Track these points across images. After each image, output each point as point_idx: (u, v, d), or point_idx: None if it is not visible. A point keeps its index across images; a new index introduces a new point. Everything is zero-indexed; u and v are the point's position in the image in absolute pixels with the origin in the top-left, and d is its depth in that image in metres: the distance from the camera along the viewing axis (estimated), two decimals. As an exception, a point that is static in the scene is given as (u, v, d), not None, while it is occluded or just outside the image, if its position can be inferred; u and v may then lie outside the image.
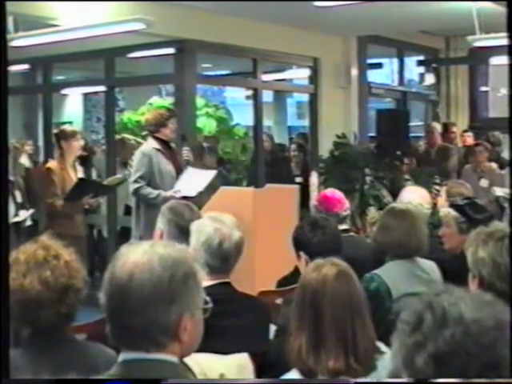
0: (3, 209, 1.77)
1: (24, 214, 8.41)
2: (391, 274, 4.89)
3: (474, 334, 1.76)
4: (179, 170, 8.54)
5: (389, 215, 5.42)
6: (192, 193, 7.94)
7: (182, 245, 2.64)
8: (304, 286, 3.28)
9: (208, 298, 2.65)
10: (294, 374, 3.18)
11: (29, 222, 8.66)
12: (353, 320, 3.20)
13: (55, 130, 10.17)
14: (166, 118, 8.65)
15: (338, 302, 3.17)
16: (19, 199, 8.41)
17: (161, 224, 5.14)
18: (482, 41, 10.18)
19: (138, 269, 2.39)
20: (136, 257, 2.42)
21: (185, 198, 7.52)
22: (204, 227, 4.35)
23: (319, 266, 3.32)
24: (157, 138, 8.59)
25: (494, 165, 11.65)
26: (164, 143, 8.61)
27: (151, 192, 8.24)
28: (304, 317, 3.20)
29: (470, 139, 13.77)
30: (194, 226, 4.42)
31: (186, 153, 8.64)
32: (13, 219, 8.04)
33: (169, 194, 8.03)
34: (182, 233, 4.81)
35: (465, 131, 14.13)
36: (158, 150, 8.51)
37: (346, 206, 6.43)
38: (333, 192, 6.58)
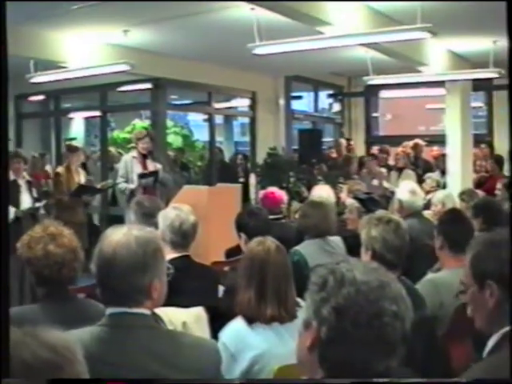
0: (3, 208, 1.68)
1: (38, 204, 8.44)
2: (308, 249, 4.91)
3: (363, 292, 1.76)
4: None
5: (308, 205, 5.44)
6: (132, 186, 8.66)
7: (151, 228, 2.65)
8: (252, 255, 3.28)
9: (170, 266, 2.68)
10: (239, 320, 3.19)
11: (42, 212, 8.63)
12: (285, 282, 3.21)
13: (67, 146, 10.30)
14: (141, 136, 8.87)
15: (277, 268, 3.18)
16: (35, 195, 8.42)
17: (130, 214, 5.16)
18: (373, 80, 10.25)
19: (120, 247, 2.40)
20: (118, 237, 2.43)
21: (145, 188, 8.50)
22: (168, 214, 4.40)
23: (262, 241, 3.33)
24: (136, 150, 8.94)
25: (382, 170, 11.74)
26: (141, 153, 8.86)
27: (122, 186, 8.83)
28: (252, 278, 3.20)
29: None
30: (161, 214, 4.46)
31: (149, 163, 8.95)
32: (29, 207, 8.12)
33: (130, 186, 8.67)
34: (144, 217, 4.84)
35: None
36: (134, 157, 8.91)
37: (284, 203, 6.46)
38: (274, 192, 6.59)
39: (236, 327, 3.19)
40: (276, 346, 3.03)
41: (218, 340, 3.16)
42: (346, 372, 1.76)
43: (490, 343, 2.23)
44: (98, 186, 9.68)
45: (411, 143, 12.76)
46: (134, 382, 2.28)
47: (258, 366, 3.08)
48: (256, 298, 3.15)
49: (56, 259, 3.06)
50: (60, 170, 9.18)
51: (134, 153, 9.00)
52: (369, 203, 6.61)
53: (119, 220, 7.50)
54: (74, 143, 10.58)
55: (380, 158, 12.60)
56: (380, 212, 4.21)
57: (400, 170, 11.43)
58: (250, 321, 3.14)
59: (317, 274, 1.84)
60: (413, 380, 2.13)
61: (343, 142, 13.97)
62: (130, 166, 8.80)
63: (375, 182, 10.59)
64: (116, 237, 2.43)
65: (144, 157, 8.87)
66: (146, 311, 2.44)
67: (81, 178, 9.07)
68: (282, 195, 6.50)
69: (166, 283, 2.51)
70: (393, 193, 8.40)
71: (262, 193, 6.77)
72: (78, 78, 8.98)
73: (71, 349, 1.58)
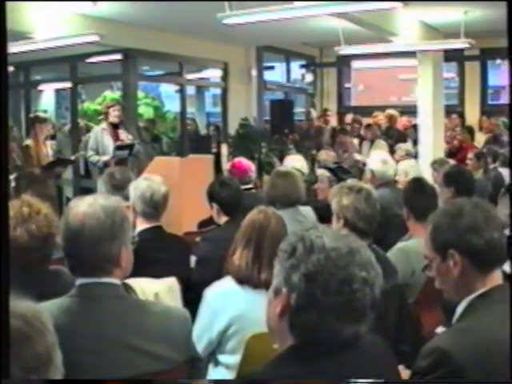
0: (3, 207, 1.66)
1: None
2: (279, 218, 4.91)
3: (333, 258, 1.77)
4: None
5: (275, 176, 5.44)
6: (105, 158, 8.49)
7: (117, 197, 2.65)
8: (252, 221, 3.30)
9: (135, 235, 2.68)
10: (227, 280, 3.21)
11: (13, 184, 8.53)
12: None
13: (33, 116, 10.07)
14: (110, 106, 8.81)
15: (275, 236, 3.17)
16: None
17: (101, 185, 5.16)
18: (345, 50, 10.22)
19: (88, 217, 2.39)
20: (84, 208, 2.41)
21: (117, 160, 8.30)
22: (139, 185, 4.38)
23: (263, 211, 3.36)
24: (106, 121, 8.83)
25: (354, 140, 11.78)
26: (111, 124, 8.74)
27: (94, 158, 8.63)
28: (250, 242, 3.22)
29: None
30: (132, 185, 4.44)
31: (120, 133, 8.81)
32: None
33: (103, 158, 8.50)
34: (115, 189, 4.84)
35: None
36: (104, 129, 8.78)
37: (252, 171, 6.44)
38: (241, 161, 6.57)
39: (222, 286, 3.21)
40: (257, 310, 3.03)
41: (203, 297, 3.19)
42: (316, 338, 1.78)
43: (459, 310, 2.26)
44: (72, 157, 9.64)
45: (384, 114, 12.82)
46: (134, 381, 2.29)
47: (235, 327, 3.11)
48: (252, 260, 3.17)
49: (22, 245, 2.94)
50: (29, 142, 9.03)
51: (103, 124, 8.88)
52: (339, 172, 6.65)
53: (92, 192, 7.47)
54: (41, 114, 10.38)
55: (353, 129, 12.66)
56: (351, 181, 4.22)
57: (372, 141, 11.48)
58: (241, 282, 3.16)
59: (286, 241, 1.85)
60: (413, 380, 2.15)
61: (314, 112, 13.98)
62: (100, 138, 8.66)
63: (346, 155, 10.61)
64: (82, 208, 2.42)
65: (115, 127, 8.74)
66: (116, 281, 2.44)
67: (48, 150, 8.96)
68: (249, 164, 6.48)
69: (131, 251, 2.51)
70: (364, 164, 8.42)
71: (229, 163, 6.76)
72: (47, 49, 8.86)
73: (41, 319, 1.57)
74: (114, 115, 8.72)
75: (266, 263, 3.12)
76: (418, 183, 4.75)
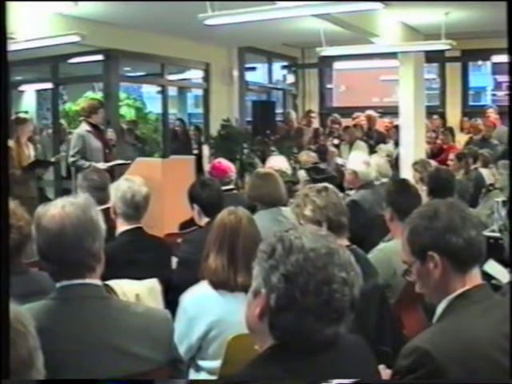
0: (3, 205, 1.65)
1: None
2: (261, 218, 4.90)
3: (311, 258, 1.78)
4: (106, 146, 8.59)
5: (256, 177, 5.45)
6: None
7: (87, 196, 2.65)
8: (224, 224, 3.26)
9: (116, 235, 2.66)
10: (203, 285, 3.20)
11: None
12: (255, 250, 3.21)
13: (14, 118, 10.02)
14: (96, 107, 8.64)
15: (248, 238, 3.18)
16: None
17: (79, 189, 5.16)
18: (327, 51, 10.24)
19: (66, 218, 2.40)
20: (58, 210, 2.42)
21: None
22: (120, 186, 4.35)
23: (233, 211, 3.32)
24: (88, 123, 8.53)
25: (333, 149, 11.77)
26: (94, 126, 8.54)
27: (84, 163, 8.14)
28: (223, 245, 3.20)
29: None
30: (113, 187, 4.41)
31: (110, 133, 8.60)
32: None
33: (98, 165, 7.94)
34: (94, 190, 4.84)
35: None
36: (89, 131, 8.46)
37: (232, 172, 6.43)
38: (220, 162, 6.57)
39: (198, 292, 3.19)
40: (235, 314, 3.02)
41: (179, 304, 3.18)
42: (296, 339, 1.79)
43: (439, 310, 2.27)
44: (52, 159, 9.56)
45: (364, 115, 12.86)
46: (134, 382, 2.29)
47: (214, 332, 3.11)
48: (228, 264, 3.15)
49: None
50: (10, 143, 9.00)
51: (87, 126, 8.59)
52: (312, 172, 6.68)
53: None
54: (22, 115, 10.34)
55: (333, 130, 12.72)
56: (308, 186, 4.14)
57: (351, 143, 11.50)
58: (217, 286, 3.15)
59: (266, 242, 1.86)
60: (394, 380, 2.16)
61: (293, 114, 14.02)
62: (87, 141, 8.39)
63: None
64: (55, 211, 2.42)
65: (98, 129, 8.63)
66: (97, 282, 2.45)
67: (30, 151, 8.91)
68: (229, 165, 6.48)
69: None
70: (343, 166, 8.45)
71: (209, 165, 6.76)
72: (27, 49, 8.80)
73: (23, 322, 1.55)
74: (101, 117, 8.66)
75: (241, 265, 3.12)
76: (402, 184, 4.77)
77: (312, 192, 3.75)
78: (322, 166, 7.31)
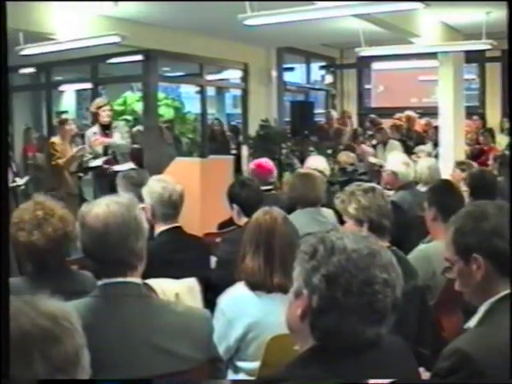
0: (3, 205, 1.66)
1: (21, 181, 8.51)
2: (299, 218, 4.89)
3: (354, 259, 1.77)
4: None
5: (295, 177, 5.46)
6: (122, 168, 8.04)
7: (130, 194, 2.68)
8: (259, 224, 3.25)
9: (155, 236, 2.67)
10: (240, 286, 3.19)
11: (22, 186, 8.70)
12: (291, 252, 3.19)
13: (57, 119, 10.24)
14: (100, 106, 8.78)
15: (283, 238, 3.17)
16: (15, 169, 8.50)
17: (119, 187, 5.20)
18: (365, 51, 10.20)
19: (111, 217, 2.42)
20: (102, 209, 2.44)
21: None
22: (153, 188, 4.33)
23: (268, 211, 3.31)
24: (96, 123, 8.83)
25: (373, 141, 11.75)
26: (102, 126, 8.74)
27: (95, 162, 8.56)
28: (259, 245, 3.18)
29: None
30: (145, 190, 4.37)
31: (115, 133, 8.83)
32: (12, 184, 8.21)
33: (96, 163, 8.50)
34: (134, 187, 4.86)
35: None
36: (95, 133, 8.74)
37: (274, 173, 6.45)
38: (267, 161, 6.58)
39: (236, 293, 3.19)
40: (272, 315, 3.01)
41: (217, 305, 3.17)
42: (337, 340, 1.78)
43: (479, 313, 2.25)
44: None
45: (403, 115, 12.78)
46: (134, 381, 2.31)
47: (253, 334, 3.10)
48: (265, 265, 3.14)
49: (38, 248, 2.99)
50: (54, 139, 9.18)
51: (94, 128, 8.83)
52: (350, 174, 6.65)
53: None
54: (64, 117, 10.51)
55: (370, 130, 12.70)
56: (361, 183, 4.10)
57: (384, 143, 11.43)
58: (254, 288, 3.14)
59: (307, 242, 1.85)
60: (434, 381, 2.15)
61: (334, 113, 13.97)
62: (92, 141, 8.67)
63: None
64: (99, 210, 2.44)
65: (105, 128, 8.74)
66: (138, 280, 2.46)
67: (74, 150, 9.04)
68: (272, 166, 6.48)
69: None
70: (381, 166, 8.38)
71: (251, 164, 6.74)
72: (68, 50, 8.88)
73: (71, 319, 1.54)
74: (105, 115, 8.74)
75: (277, 266, 3.11)
76: (446, 184, 4.73)
77: (359, 191, 3.71)
78: (360, 166, 7.24)
